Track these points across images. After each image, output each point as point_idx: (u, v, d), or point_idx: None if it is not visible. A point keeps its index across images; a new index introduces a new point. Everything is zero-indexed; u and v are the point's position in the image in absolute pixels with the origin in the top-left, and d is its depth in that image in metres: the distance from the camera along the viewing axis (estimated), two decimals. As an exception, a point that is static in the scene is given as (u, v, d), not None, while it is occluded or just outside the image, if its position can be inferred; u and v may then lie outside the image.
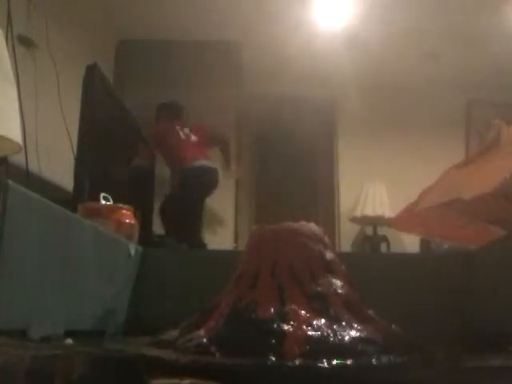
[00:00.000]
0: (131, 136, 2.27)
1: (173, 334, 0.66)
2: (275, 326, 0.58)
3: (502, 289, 0.80)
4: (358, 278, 0.70)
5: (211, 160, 2.72)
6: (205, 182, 2.60)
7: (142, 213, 2.23)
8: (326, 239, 0.73)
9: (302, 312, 0.61)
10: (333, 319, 0.60)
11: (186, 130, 2.73)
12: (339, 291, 0.66)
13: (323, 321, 0.60)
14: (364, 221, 3.50)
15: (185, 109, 2.86)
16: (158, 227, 2.59)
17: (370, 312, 0.66)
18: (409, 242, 3.30)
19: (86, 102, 1.61)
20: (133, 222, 1.07)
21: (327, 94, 3.79)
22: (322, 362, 0.50)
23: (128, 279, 0.97)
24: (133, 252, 0.97)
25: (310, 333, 0.57)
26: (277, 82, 3.48)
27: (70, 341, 0.61)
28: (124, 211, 1.07)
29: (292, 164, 3.84)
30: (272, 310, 0.61)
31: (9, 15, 1.84)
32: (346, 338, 0.58)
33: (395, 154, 3.67)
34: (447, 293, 0.98)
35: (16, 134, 1.05)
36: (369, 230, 3.59)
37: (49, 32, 2.23)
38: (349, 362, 0.52)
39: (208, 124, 3.03)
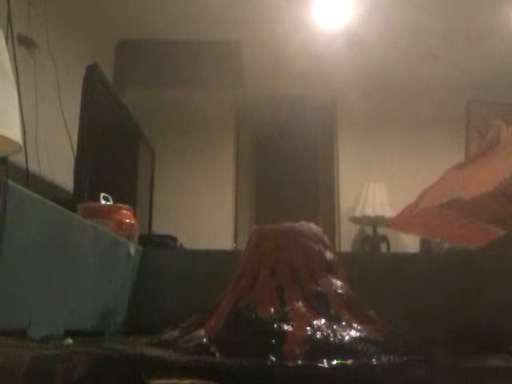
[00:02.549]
0: (131, 136, 2.27)
1: (173, 334, 0.66)
2: (275, 326, 0.58)
3: (502, 289, 0.80)
4: (358, 278, 0.70)
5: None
6: None
7: (141, 212, 2.23)
8: (326, 239, 0.73)
9: (302, 312, 0.61)
10: (333, 319, 0.60)
11: None
12: (339, 291, 0.65)
13: (323, 321, 0.60)
14: (364, 221, 3.50)
15: None
16: (157, 227, 2.60)
17: (370, 312, 0.66)
18: (409, 242, 3.31)
19: (85, 102, 1.61)
20: (133, 221, 1.07)
21: (327, 94, 3.79)
22: (322, 362, 0.50)
23: (128, 279, 0.97)
24: (133, 252, 0.97)
25: (310, 333, 0.57)
26: (277, 81, 3.49)
27: (69, 341, 0.61)
28: (124, 211, 1.07)
29: (292, 164, 3.84)
30: (272, 310, 0.61)
31: (9, 15, 1.85)
32: (346, 338, 0.58)
33: (395, 154, 3.68)
34: (447, 293, 0.97)
35: (16, 134, 1.06)
36: (369, 230, 3.60)
37: (49, 32, 2.24)
38: (349, 362, 0.52)
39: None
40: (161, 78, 3.38)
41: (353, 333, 0.59)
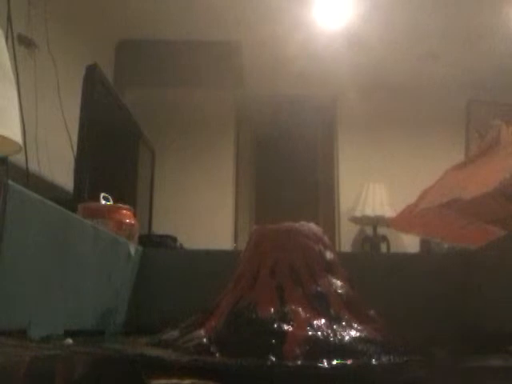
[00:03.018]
0: (131, 136, 2.27)
1: (173, 334, 0.66)
2: (275, 326, 0.58)
3: (502, 289, 0.80)
4: (358, 278, 0.70)
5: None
6: None
7: (141, 212, 2.23)
8: (326, 239, 0.73)
9: (302, 312, 0.61)
10: (333, 319, 0.60)
11: None
12: (339, 291, 0.66)
13: (323, 321, 0.60)
14: (364, 221, 3.50)
15: None
16: (157, 227, 2.60)
17: (370, 312, 0.66)
18: (409, 242, 3.31)
19: (85, 102, 1.61)
20: (133, 222, 1.07)
21: (327, 94, 3.79)
22: (322, 362, 0.50)
23: (128, 279, 0.97)
24: (133, 252, 0.97)
25: (310, 333, 0.57)
26: (277, 81, 3.49)
27: (69, 341, 0.61)
28: (124, 211, 1.07)
29: (292, 164, 3.84)
30: (272, 309, 0.61)
31: (9, 15, 1.85)
32: (346, 338, 0.58)
33: (395, 154, 3.68)
34: (447, 293, 0.98)
35: (16, 134, 1.06)
36: (369, 230, 3.60)
37: (49, 32, 2.24)
38: (349, 362, 0.52)
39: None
40: (161, 78, 3.38)
41: (353, 333, 0.59)
